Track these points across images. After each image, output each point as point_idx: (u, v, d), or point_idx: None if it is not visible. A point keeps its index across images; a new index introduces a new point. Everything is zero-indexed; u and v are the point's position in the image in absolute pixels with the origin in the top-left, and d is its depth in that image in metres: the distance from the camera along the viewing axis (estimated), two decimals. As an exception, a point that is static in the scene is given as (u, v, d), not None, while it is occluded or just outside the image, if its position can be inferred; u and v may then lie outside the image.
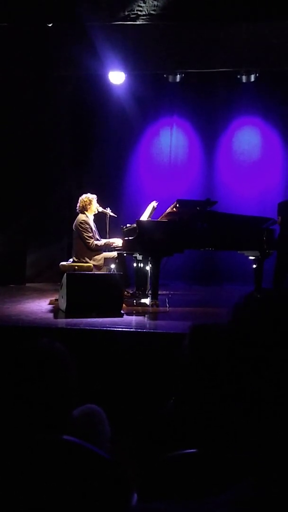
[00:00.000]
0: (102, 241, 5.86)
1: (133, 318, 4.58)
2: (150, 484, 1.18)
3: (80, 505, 1.15)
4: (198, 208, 5.53)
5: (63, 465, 1.20)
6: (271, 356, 0.59)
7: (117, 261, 5.81)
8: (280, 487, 0.59)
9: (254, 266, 5.58)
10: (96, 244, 5.75)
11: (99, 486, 1.17)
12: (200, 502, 0.61)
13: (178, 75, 8.15)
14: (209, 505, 0.60)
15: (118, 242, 5.82)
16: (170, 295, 5.89)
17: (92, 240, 5.76)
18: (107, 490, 1.18)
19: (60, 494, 1.16)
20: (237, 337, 0.62)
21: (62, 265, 5.77)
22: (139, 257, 5.93)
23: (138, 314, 4.84)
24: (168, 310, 5.03)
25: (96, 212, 5.99)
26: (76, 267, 5.58)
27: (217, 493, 0.63)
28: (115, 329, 3.87)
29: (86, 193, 6.00)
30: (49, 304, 5.29)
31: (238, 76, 8.08)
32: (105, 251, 5.86)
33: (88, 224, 5.80)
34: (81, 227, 5.75)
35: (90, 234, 5.77)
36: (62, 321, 4.32)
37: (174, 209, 5.53)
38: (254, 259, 5.58)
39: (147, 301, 5.55)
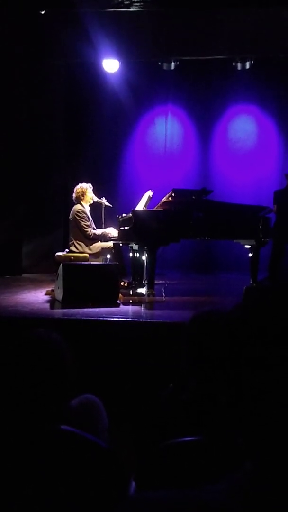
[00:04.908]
0: (99, 231, 5.87)
1: (130, 308, 4.59)
2: (147, 472, 1.19)
3: (78, 494, 1.15)
4: (193, 197, 5.51)
5: (61, 455, 1.20)
6: (276, 343, 0.59)
7: (113, 251, 5.81)
8: (278, 474, 0.59)
9: (250, 254, 5.58)
10: (94, 233, 5.77)
11: (97, 475, 1.18)
12: (198, 490, 0.61)
13: (173, 63, 8.08)
14: (207, 493, 0.60)
15: (113, 232, 5.82)
16: (166, 285, 5.90)
17: (90, 228, 5.77)
18: (105, 479, 1.19)
19: (58, 483, 1.16)
20: (242, 322, 0.62)
21: (58, 255, 5.77)
22: (135, 247, 5.92)
23: (134, 303, 4.84)
24: (164, 299, 5.04)
25: (92, 201, 5.97)
26: (72, 257, 5.58)
27: (215, 480, 0.63)
28: (112, 319, 3.88)
29: (81, 182, 5.98)
30: (46, 294, 5.29)
31: (233, 64, 8.02)
32: (101, 241, 5.86)
33: (85, 213, 5.82)
34: (78, 216, 5.75)
35: (88, 223, 5.78)
36: (59, 312, 4.32)
37: (170, 198, 5.51)
38: (250, 247, 5.59)
39: (143, 290, 5.56)
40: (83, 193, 5.86)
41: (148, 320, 3.97)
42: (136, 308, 4.63)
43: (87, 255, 5.67)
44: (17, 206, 7.52)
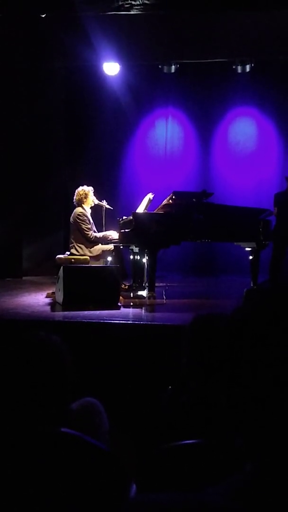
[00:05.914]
0: (100, 234, 5.88)
1: (130, 311, 4.59)
2: (148, 475, 1.19)
3: (79, 497, 1.15)
4: (194, 199, 5.51)
5: (61, 458, 1.20)
6: (276, 344, 0.59)
7: (113, 253, 5.82)
8: (278, 476, 0.59)
9: (251, 257, 5.58)
10: (95, 236, 5.78)
11: (98, 478, 1.18)
12: (198, 492, 0.61)
13: (173, 66, 8.10)
14: (207, 495, 0.61)
15: (114, 235, 5.82)
16: (167, 287, 5.90)
17: (91, 231, 5.78)
18: (106, 482, 1.19)
19: (59, 486, 1.16)
20: (243, 324, 0.62)
21: (58, 258, 5.77)
22: (136, 250, 5.92)
23: (135, 306, 4.85)
24: (165, 302, 5.04)
25: (93, 204, 5.98)
26: (72, 260, 5.58)
27: (215, 483, 0.63)
28: (112, 321, 3.88)
29: (82, 185, 5.99)
30: (46, 297, 5.29)
31: (233, 67, 8.03)
32: (102, 244, 5.87)
33: (86, 216, 5.82)
34: (79, 219, 5.76)
35: (89, 226, 5.79)
36: (59, 314, 4.32)
37: (170, 201, 5.52)
38: (250, 250, 5.59)
39: (144, 293, 5.56)
40: (85, 196, 5.86)
41: (149, 323, 3.97)
42: (136, 310, 4.63)
43: (88, 257, 5.67)
44: (17, 208, 7.53)
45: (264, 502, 0.58)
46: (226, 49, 7.49)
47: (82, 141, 8.57)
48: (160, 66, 8.12)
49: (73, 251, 5.79)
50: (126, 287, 5.85)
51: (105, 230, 6.04)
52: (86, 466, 1.19)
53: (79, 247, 5.76)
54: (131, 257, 6.22)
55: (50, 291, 5.40)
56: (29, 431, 1.27)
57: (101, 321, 3.89)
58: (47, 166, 7.92)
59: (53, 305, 4.76)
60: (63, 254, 5.97)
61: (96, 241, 5.80)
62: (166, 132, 9.00)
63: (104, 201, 6.14)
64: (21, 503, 1.15)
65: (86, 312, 4.21)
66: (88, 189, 5.91)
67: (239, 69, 8.03)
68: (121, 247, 5.92)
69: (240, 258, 6.75)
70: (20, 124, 7.56)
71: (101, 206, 6.12)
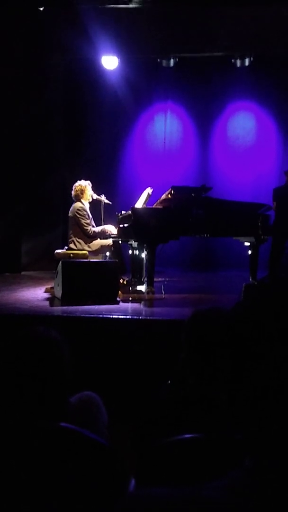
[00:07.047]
0: (98, 228, 5.87)
1: (129, 305, 4.59)
2: (147, 469, 1.19)
3: (78, 491, 1.15)
4: (193, 194, 5.51)
5: (60, 452, 1.20)
6: (276, 339, 0.59)
7: (112, 248, 5.81)
8: (277, 471, 0.59)
9: (250, 252, 5.58)
10: (94, 231, 5.78)
11: (97, 472, 1.18)
12: (197, 487, 0.61)
13: (172, 60, 8.07)
14: (206, 490, 0.60)
15: (111, 229, 5.82)
16: (165, 282, 5.90)
17: (90, 226, 5.78)
18: (105, 476, 1.19)
19: (57, 481, 1.16)
20: (243, 319, 0.62)
21: (57, 253, 5.76)
22: (135, 245, 5.92)
23: (134, 301, 4.85)
24: (164, 297, 5.04)
25: (91, 199, 5.97)
26: (71, 255, 5.58)
27: (214, 477, 0.63)
28: (111, 316, 3.88)
29: (80, 180, 5.97)
30: (45, 292, 5.29)
31: (232, 61, 8.01)
32: (101, 238, 5.87)
33: (85, 211, 5.82)
34: (79, 214, 5.75)
35: (88, 221, 5.79)
36: (58, 309, 4.32)
37: (169, 195, 5.50)
38: (249, 245, 5.59)
39: (143, 288, 5.56)
40: (82, 191, 5.85)
41: (148, 318, 3.97)
42: (135, 305, 4.63)
43: (87, 252, 5.67)
44: (16, 203, 7.51)
45: (264, 497, 0.58)
46: (225, 43, 7.46)
47: (81, 135, 8.55)
48: (159, 60, 8.09)
49: (71, 245, 5.78)
50: (125, 282, 5.85)
51: (104, 225, 6.03)
52: (85, 461, 1.19)
53: (78, 241, 5.77)
54: (130, 252, 6.21)
55: (49, 286, 5.40)
56: (28, 425, 1.27)
57: (100, 316, 3.89)
58: (46, 161, 7.89)
59: (52, 300, 4.76)
60: (62, 248, 5.96)
61: (95, 236, 5.80)
62: (165, 126, 8.97)
63: (103, 195, 6.12)
64: (19, 498, 1.15)
65: (85, 307, 4.21)
66: (85, 184, 5.89)
67: (238, 63, 8.00)
68: (120, 242, 5.92)
69: (239, 253, 6.75)
70: (19, 118, 7.53)
71: (100, 201, 6.11)
